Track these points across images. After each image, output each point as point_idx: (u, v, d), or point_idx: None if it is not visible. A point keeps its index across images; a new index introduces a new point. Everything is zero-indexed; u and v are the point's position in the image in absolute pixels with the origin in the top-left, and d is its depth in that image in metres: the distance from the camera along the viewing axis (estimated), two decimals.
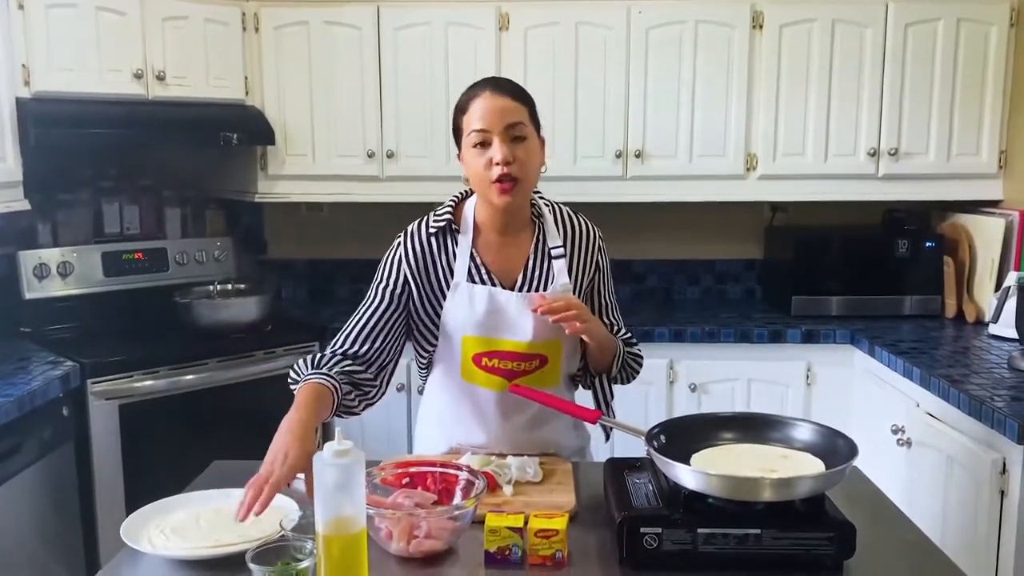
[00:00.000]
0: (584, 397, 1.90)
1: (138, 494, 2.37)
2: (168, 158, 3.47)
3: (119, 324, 3.07)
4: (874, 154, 3.23)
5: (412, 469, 1.55)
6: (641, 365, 1.93)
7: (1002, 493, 2.13)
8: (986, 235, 3.17)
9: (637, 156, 3.26)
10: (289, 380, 1.70)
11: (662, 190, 3.30)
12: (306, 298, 3.80)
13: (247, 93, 3.25)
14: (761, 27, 3.20)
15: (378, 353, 1.75)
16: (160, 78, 2.98)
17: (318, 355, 1.72)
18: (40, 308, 3.03)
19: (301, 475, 1.68)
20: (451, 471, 1.53)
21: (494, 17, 3.22)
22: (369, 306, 1.78)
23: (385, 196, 3.34)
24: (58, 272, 3.05)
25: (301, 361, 1.71)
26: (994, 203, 3.25)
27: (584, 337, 1.74)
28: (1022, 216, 3.03)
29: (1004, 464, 2.12)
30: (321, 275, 3.81)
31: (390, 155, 3.29)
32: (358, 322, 1.77)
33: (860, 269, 3.31)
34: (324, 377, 1.63)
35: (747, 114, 3.24)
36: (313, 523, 1.19)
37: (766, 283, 3.71)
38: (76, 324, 3.07)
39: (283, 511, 1.43)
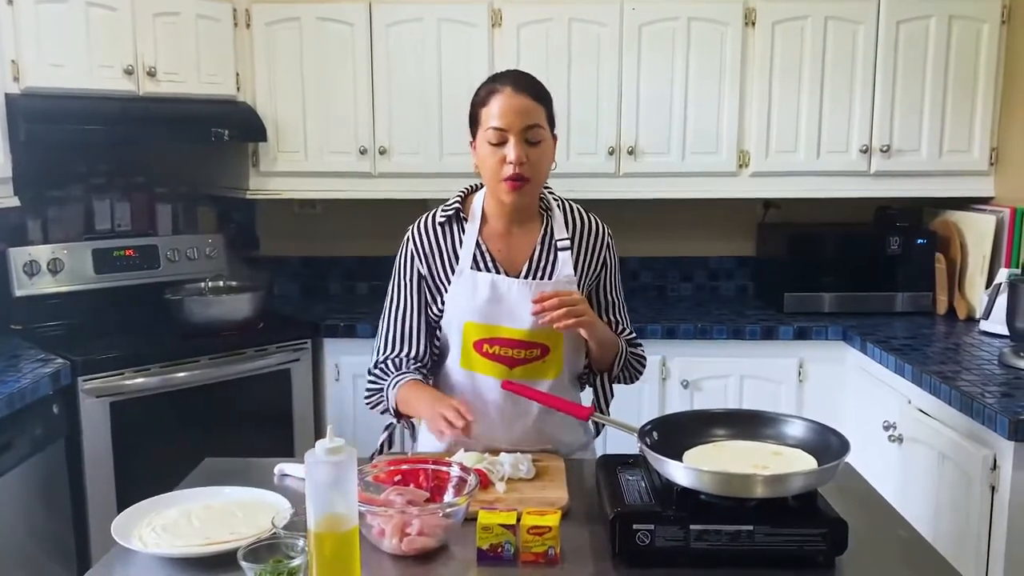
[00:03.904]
0: (586, 397, 1.91)
1: (129, 492, 2.36)
2: (159, 154, 3.45)
3: (110, 321, 3.06)
4: (866, 151, 3.23)
5: (404, 466, 1.55)
6: (644, 366, 1.95)
7: (993, 489, 2.13)
8: (977, 232, 3.17)
9: (630, 153, 3.26)
10: (367, 398, 1.84)
11: (655, 187, 3.31)
12: (298, 295, 3.79)
13: (238, 89, 3.24)
14: (754, 24, 3.20)
15: (419, 347, 1.85)
16: (151, 74, 2.97)
17: (379, 368, 1.84)
18: (30, 305, 3.02)
19: (289, 472, 1.69)
20: (443, 468, 1.53)
21: (487, 14, 3.21)
22: (395, 309, 1.85)
23: (377, 193, 3.32)
24: (48, 269, 3.04)
25: (369, 383, 1.84)
26: (985, 200, 3.26)
27: (582, 332, 1.74)
28: (1013, 213, 3.04)
29: (995, 460, 2.12)
30: (314, 272, 3.80)
31: (382, 152, 3.28)
32: (391, 327, 1.85)
33: (852, 266, 3.31)
34: (410, 374, 1.80)
35: (740, 111, 3.24)
36: (305, 520, 1.18)
37: (759, 280, 3.71)
38: (67, 321, 3.05)
39: (275, 509, 1.43)
